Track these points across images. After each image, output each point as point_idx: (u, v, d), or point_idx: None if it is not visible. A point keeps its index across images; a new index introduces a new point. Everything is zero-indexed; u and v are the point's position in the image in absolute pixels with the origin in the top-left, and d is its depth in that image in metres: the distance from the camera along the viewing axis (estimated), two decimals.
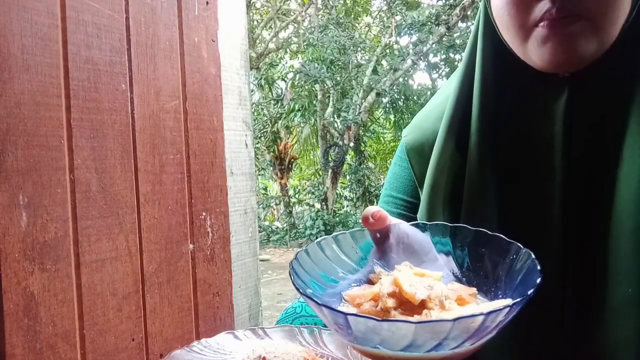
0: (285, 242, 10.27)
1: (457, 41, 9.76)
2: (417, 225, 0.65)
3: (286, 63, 11.97)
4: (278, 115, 11.05)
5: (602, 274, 0.66)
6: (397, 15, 10.04)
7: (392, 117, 11.89)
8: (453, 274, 0.62)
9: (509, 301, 0.52)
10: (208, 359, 0.73)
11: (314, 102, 10.93)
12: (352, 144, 10.46)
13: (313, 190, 11.28)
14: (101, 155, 0.87)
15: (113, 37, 0.89)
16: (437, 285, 0.55)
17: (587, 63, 0.67)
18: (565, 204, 0.69)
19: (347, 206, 11.56)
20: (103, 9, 0.88)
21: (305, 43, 10.22)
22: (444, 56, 10.41)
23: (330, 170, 10.63)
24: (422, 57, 10.01)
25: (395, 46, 10.74)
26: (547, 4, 0.63)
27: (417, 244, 0.64)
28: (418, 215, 0.79)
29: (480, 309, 0.53)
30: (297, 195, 12.47)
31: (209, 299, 1.06)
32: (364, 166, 10.94)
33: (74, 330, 0.82)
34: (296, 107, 11.09)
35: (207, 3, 1.07)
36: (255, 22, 10.83)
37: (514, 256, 0.58)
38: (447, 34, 9.42)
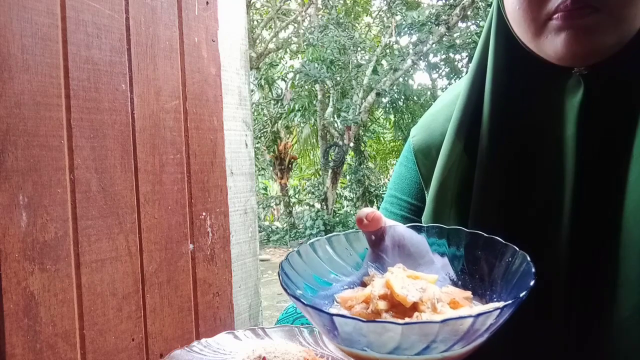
0: (285, 242, 10.27)
1: (457, 41, 9.76)
2: (413, 227, 0.65)
3: (286, 63, 11.97)
4: (278, 115, 11.05)
5: (612, 281, 0.65)
6: (397, 15, 10.04)
7: (392, 117, 11.89)
8: (449, 277, 0.62)
9: (501, 303, 0.52)
10: (208, 359, 0.73)
11: (314, 102, 10.93)
12: (352, 144, 10.46)
13: (313, 190, 11.28)
14: (101, 155, 0.87)
15: (113, 37, 0.89)
16: (429, 288, 0.54)
17: (604, 57, 0.64)
18: (575, 208, 0.68)
19: (347, 206, 11.56)
20: (103, 9, 0.88)
21: (305, 43, 10.22)
22: (444, 56, 10.40)
23: (330, 170, 10.63)
24: (422, 57, 10.00)
25: (395, 46, 10.74)
26: None
27: (413, 246, 0.63)
28: (423, 218, 0.77)
29: (469, 312, 0.52)
30: (297, 195, 12.47)
31: (209, 299, 1.06)
32: (364, 166, 10.94)
33: (74, 330, 0.82)
34: (296, 107, 11.09)
35: (207, 3, 1.07)
36: (255, 22, 10.83)
37: (510, 259, 0.58)
38: (447, 34, 9.42)
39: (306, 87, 10.96)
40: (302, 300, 0.51)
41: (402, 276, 0.57)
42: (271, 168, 11.55)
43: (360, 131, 10.61)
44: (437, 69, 10.95)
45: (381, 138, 13.09)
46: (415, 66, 10.21)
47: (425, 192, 0.80)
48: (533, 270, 0.53)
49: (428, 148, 0.81)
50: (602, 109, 0.67)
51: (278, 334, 0.78)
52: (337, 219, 10.48)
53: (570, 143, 0.67)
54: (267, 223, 11.62)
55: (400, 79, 10.29)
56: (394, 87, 10.27)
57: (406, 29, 9.76)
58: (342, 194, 11.66)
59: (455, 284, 0.61)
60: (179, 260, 1.00)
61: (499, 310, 0.47)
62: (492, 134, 0.71)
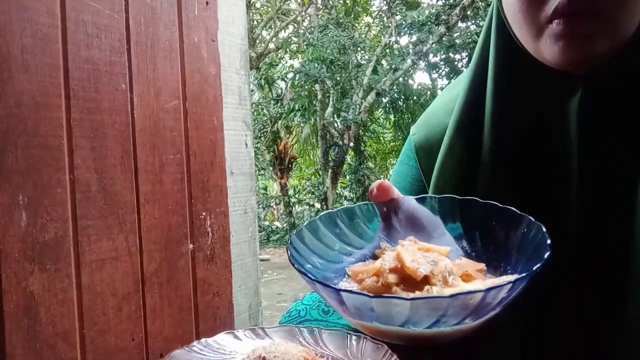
0: (285, 242, 10.26)
1: (457, 41, 9.76)
2: (425, 199, 0.64)
3: (286, 63, 11.97)
4: (278, 115, 11.04)
5: (621, 279, 0.65)
6: (397, 15, 10.04)
7: (392, 117, 11.89)
8: (463, 249, 0.61)
9: (513, 277, 0.51)
10: (208, 359, 0.73)
11: (314, 102, 10.93)
12: (352, 144, 10.46)
13: (313, 190, 11.27)
14: (101, 155, 0.87)
15: (113, 37, 0.89)
16: (441, 261, 0.54)
17: (602, 61, 0.65)
18: (582, 207, 0.68)
19: (347, 206, 11.51)
20: (103, 9, 0.88)
21: (305, 43, 10.21)
22: (444, 56, 10.40)
23: (330, 170, 10.63)
24: (422, 57, 10.00)
25: (395, 46, 10.74)
26: (560, 1, 0.61)
27: (425, 218, 0.63)
28: None
29: (480, 286, 0.51)
30: (297, 195, 12.46)
31: (209, 299, 1.06)
32: (364, 166, 10.93)
33: (74, 330, 0.82)
34: (296, 107, 11.09)
35: (207, 3, 1.07)
36: (255, 22, 10.83)
37: (525, 229, 0.57)
38: (447, 33, 9.42)
39: (306, 87, 10.96)
40: (309, 274, 0.51)
41: (413, 249, 0.56)
42: (271, 168, 11.55)
43: (360, 131, 10.61)
44: (437, 69, 10.94)
45: (381, 138, 13.09)
46: (415, 66, 10.21)
47: (427, 189, 0.81)
48: (548, 242, 0.52)
49: (429, 145, 0.81)
50: (602, 107, 0.67)
51: (278, 334, 0.78)
52: None
53: (573, 141, 0.68)
54: (267, 223, 11.61)
55: (400, 79, 10.29)
56: (394, 87, 10.27)
57: (406, 29, 9.76)
58: (342, 194, 11.66)
59: (469, 255, 0.60)
60: (179, 260, 1.00)
61: (511, 284, 0.46)
62: (494, 134, 0.72)
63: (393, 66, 9.79)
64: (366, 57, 10.75)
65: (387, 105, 11.02)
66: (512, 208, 0.59)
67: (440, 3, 9.71)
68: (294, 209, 11.64)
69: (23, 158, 0.77)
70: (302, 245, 0.58)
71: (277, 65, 11.51)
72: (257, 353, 0.68)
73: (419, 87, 11.50)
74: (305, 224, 0.61)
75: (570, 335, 0.69)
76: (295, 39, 11.02)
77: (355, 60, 10.42)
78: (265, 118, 11.02)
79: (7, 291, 0.74)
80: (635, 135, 0.66)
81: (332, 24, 10.01)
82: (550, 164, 0.70)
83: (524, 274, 0.48)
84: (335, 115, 10.49)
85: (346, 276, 0.58)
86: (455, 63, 10.46)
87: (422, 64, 10.53)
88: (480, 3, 8.87)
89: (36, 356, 0.78)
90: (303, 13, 10.82)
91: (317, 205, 11.22)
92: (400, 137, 11.78)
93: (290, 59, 11.93)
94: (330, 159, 10.64)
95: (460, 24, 9.66)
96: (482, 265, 0.57)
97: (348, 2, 11.39)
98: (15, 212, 0.76)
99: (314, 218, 0.61)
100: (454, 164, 0.75)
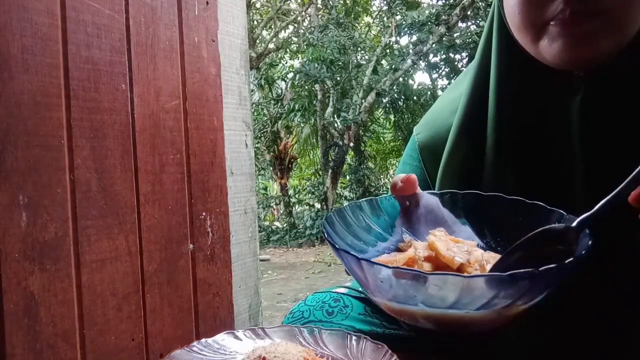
0: (285, 242, 10.26)
1: (457, 41, 9.75)
2: (447, 194, 0.65)
3: (286, 63, 11.97)
4: (278, 115, 11.04)
5: (627, 277, 0.65)
6: (397, 15, 10.04)
7: (392, 117, 11.88)
8: (487, 244, 0.61)
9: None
10: (208, 359, 0.73)
11: (314, 102, 10.93)
12: (352, 144, 10.46)
13: (313, 190, 11.27)
14: (101, 155, 0.87)
15: (113, 37, 0.89)
16: (475, 251, 0.54)
17: (603, 61, 0.65)
18: (587, 206, 0.68)
19: None
20: (103, 9, 0.88)
21: (305, 43, 10.21)
22: (444, 56, 10.40)
23: (330, 170, 10.63)
24: (422, 57, 10.00)
25: (395, 46, 10.74)
26: (560, 3, 0.61)
27: (445, 213, 0.63)
28: None
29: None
30: (297, 195, 12.46)
31: (209, 299, 1.06)
32: (364, 166, 10.93)
33: (74, 330, 0.82)
34: (296, 107, 11.09)
35: (207, 3, 1.07)
36: (255, 22, 10.83)
37: (556, 223, 0.57)
38: (447, 34, 9.42)
39: (306, 87, 10.96)
40: (355, 254, 0.50)
41: (446, 239, 0.56)
42: (271, 168, 11.54)
43: (360, 131, 10.61)
44: (437, 69, 10.94)
45: (381, 138, 13.09)
46: (415, 66, 10.21)
47: (431, 189, 0.81)
48: (587, 231, 0.52)
49: (434, 145, 0.81)
50: (604, 107, 0.67)
51: (278, 334, 0.78)
52: None
53: (576, 140, 0.68)
54: (267, 223, 11.61)
55: (400, 79, 10.29)
56: (394, 87, 10.27)
57: (406, 29, 9.76)
58: (342, 194, 11.65)
59: (494, 251, 0.60)
60: (179, 260, 1.00)
61: (562, 265, 0.46)
62: (497, 133, 0.72)
63: (393, 66, 9.79)
64: (366, 57, 10.75)
65: (387, 105, 11.02)
66: (541, 203, 0.59)
67: (440, 3, 9.71)
68: (294, 209, 11.64)
69: (23, 158, 0.77)
70: (332, 231, 0.58)
71: (277, 65, 11.50)
72: (257, 353, 0.68)
73: (419, 87, 11.50)
74: (331, 211, 0.61)
75: (576, 333, 0.69)
76: (295, 39, 11.02)
77: (355, 61, 10.42)
78: (265, 118, 11.02)
79: (7, 291, 0.74)
80: (638, 133, 0.66)
81: (332, 24, 10.01)
82: (554, 163, 0.70)
83: (572, 258, 0.48)
84: (335, 115, 10.48)
85: None
86: (456, 63, 10.46)
87: (422, 64, 10.53)
88: (480, 3, 8.87)
89: (36, 356, 0.78)
90: (303, 13, 10.82)
91: (317, 206, 11.22)
92: (400, 137, 11.78)
93: (290, 59, 11.93)
94: (330, 159, 10.64)
95: (460, 24, 9.66)
96: None
97: (348, 2, 11.39)
98: (15, 212, 0.76)
99: (341, 207, 0.61)
100: (459, 162, 0.75)
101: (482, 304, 0.46)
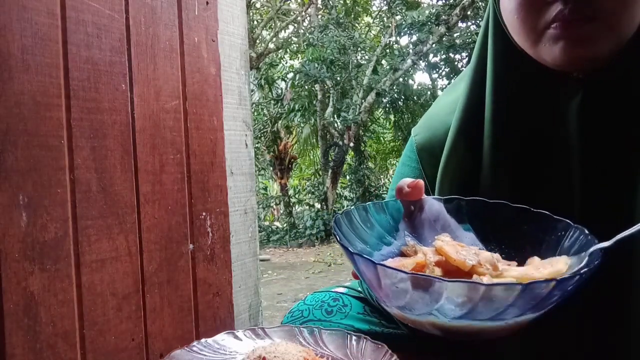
0: (285, 242, 10.26)
1: (457, 41, 9.76)
2: (451, 200, 0.65)
3: (286, 63, 11.97)
4: (278, 115, 11.05)
5: (625, 281, 0.65)
6: (397, 15, 10.04)
7: (392, 117, 11.89)
8: (491, 251, 0.61)
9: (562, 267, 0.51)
10: (208, 359, 0.73)
11: (314, 102, 10.93)
12: (352, 144, 10.46)
13: (313, 190, 11.27)
14: (101, 155, 0.87)
15: (113, 37, 0.89)
16: (482, 252, 0.54)
17: (602, 63, 0.65)
18: (584, 208, 0.68)
19: (347, 206, 11.49)
20: (103, 9, 0.88)
21: (305, 43, 10.22)
22: (444, 56, 10.40)
23: (330, 170, 10.63)
24: (422, 57, 10.00)
25: (395, 46, 10.74)
26: (558, 6, 0.62)
27: (448, 218, 0.63)
28: None
29: (543, 275, 0.51)
30: (297, 195, 12.46)
31: (209, 299, 1.06)
32: (364, 166, 10.93)
33: (74, 330, 0.82)
34: (296, 107, 11.09)
35: (207, 3, 1.07)
36: (255, 22, 10.83)
37: (562, 233, 0.57)
38: (447, 34, 9.42)
39: (306, 87, 10.96)
40: (370, 259, 0.49)
41: (453, 243, 0.56)
42: (271, 168, 11.54)
43: (360, 131, 10.61)
44: (437, 69, 10.94)
45: (381, 138, 13.09)
46: (415, 66, 10.21)
47: (430, 191, 0.81)
48: (596, 240, 0.52)
49: (432, 146, 0.81)
50: (602, 109, 0.67)
51: (278, 334, 0.78)
52: None
53: (574, 142, 0.68)
54: (267, 223, 11.61)
55: (400, 79, 10.29)
56: (394, 87, 10.27)
57: (406, 29, 9.76)
58: (342, 194, 11.66)
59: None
60: (179, 260, 1.00)
61: (578, 276, 0.46)
62: (494, 136, 0.72)
63: (393, 66, 9.79)
64: (366, 57, 10.75)
65: (387, 105, 11.02)
66: (547, 212, 0.59)
67: (440, 3, 9.72)
68: (294, 209, 11.64)
69: (23, 158, 0.77)
70: (341, 234, 0.57)
71: (277, 65, 11.51)
72: (257, 353, 0.69)
73: (419, 87, 11.50)
74: (339, 214, 0.60)
75: (571, 335, 0.69)
76: (295, 39, 11.02)
77: (355, 60, 10.42)
78: (265, 118, 11.02)
79: (7, 291, 0.74)
80: (636, 136, 0.66)
81: (332, 24, 10.01)
82: (552, 165, 0.70)
83: (586, 269, 0.47)
84: (335, 116, 10.48)
85: None
86: (455, 63, 10.46)
87: (422, 64, 10.53)
88: (480, 3, 8.87)
89: (36, 356, 0.78)
90: (303, 13, 10.82)
91: (317, 206, 11.21)
92: (400, 137, 11.78)
93: (290, 59, 11.93)
94: (330, 159, 10.64)
95: (460, 24, 9.66)
96: (515, 264, 0.58)
97: (348, 2, 11.39)
98: (15, 212, 0.76)
99: (343, 212, 0.60)
100: (457, 164, 0.75)
101: (496, 313, 0.46)
